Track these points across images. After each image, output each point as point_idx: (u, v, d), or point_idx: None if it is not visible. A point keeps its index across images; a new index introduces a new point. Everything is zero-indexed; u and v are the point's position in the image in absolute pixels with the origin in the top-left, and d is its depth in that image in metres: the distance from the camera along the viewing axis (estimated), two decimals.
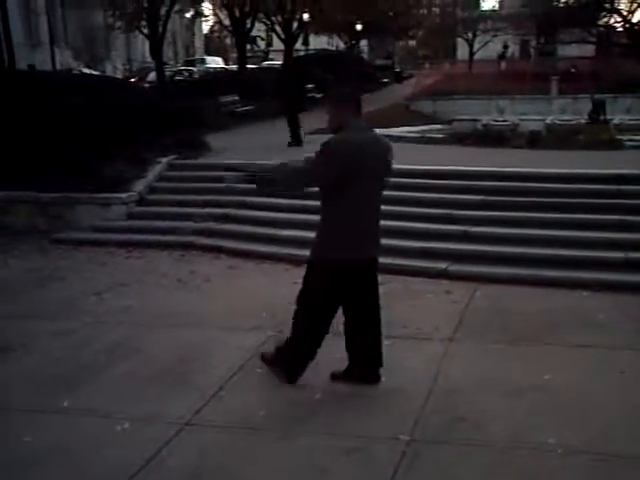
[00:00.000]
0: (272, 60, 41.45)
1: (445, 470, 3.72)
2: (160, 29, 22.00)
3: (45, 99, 10.31)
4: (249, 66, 29.61)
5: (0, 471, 3.79)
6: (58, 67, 29.51)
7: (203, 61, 40.49)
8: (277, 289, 6.66)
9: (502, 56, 45.01)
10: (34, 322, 6.11)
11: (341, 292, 4.49)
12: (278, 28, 30.15)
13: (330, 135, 4.41)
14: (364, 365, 4.71)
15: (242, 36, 27.14)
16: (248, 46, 33.04)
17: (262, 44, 51.36)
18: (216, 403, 4.52)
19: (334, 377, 4.76)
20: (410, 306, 6.34)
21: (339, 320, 4.66)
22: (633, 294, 6.40)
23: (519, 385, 4.65)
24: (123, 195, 9.83)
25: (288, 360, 4.69)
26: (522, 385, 4.64)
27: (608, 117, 17.76)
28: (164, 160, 10.94)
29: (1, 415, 4.42)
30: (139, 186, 10.14)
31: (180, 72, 29.84)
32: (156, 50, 22.84)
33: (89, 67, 30.29)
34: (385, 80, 38.99)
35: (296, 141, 13.20)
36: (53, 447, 3.98)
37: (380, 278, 7.09)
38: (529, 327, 5.74)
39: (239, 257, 8.16)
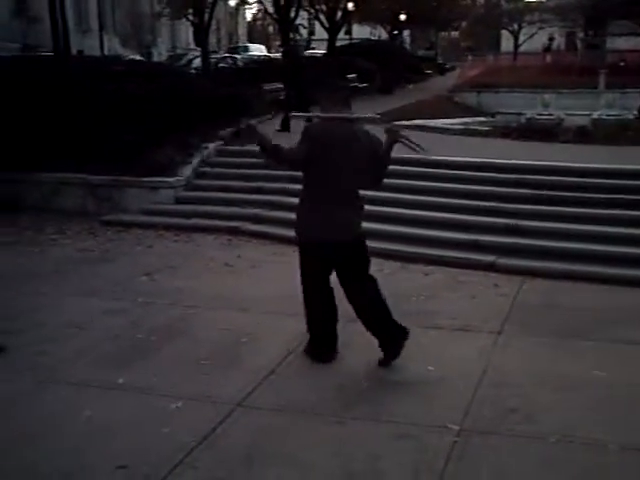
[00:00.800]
0: (314, 49, 41.40)
1: (496, 461, 3.72)
2: (206, 16, 22.13)
3: (99, 84, 10.46)
4: None
5: (64, 442, 3.90)
6: (106, 53, 29.90)
7: (246, 49, 40.60)
8: None
9: (547, 48, 44.27)
10: (88, 301, 6.24)
11: (316, 271, 4.73)
12: (322, 16, 30.12)
13: None
14: (388, 344, 4.79)
15: (286, 24, 27.15)
16: (291, 34, 33.03)
17: (304, 33, 51.31)
18: (268, 386, 4.58)
19: (381, 363, 4.82)
20: (458, 298, 6.34)
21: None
22: None
23: (570, 380, 4.62)
24: (171, 179, 9.97)
25: (309, 341, 4.94)
26: (573, 380, 4.62)
27: None
28: (211, 146, 11.05)
29: (62, 389, 4.54)
30: (187, 171, 10.27)
31: (224, 59, 29.97)
32: (201, 37, 23.00)
33: (134, 53, 30.58)
34: (428, 71, 38.71)
35: (285, 127, 13.03)
36: (112, 422, 4.08)
37: (427, 269, 7.20)
38: (579, 322, 5.70)
39: (284, 243, 8.20)
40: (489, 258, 7.35)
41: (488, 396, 4.44)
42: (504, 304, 6.16)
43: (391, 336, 4.77)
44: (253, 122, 4.97)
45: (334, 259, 4.71)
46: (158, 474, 3.57)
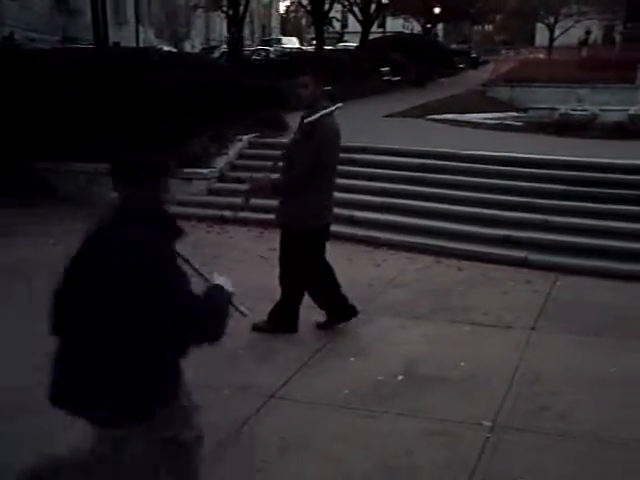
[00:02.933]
0: (347, 42, 41.29)
1: (530, 458, 3.71)
2: (241, 9, 22.19)
3: (137, 76, 10.57)
4: (325, 47, 29.59)
5: None
6: (141, 45, 30.17)
7: (279, 41, 40.64)
8: (356, 270, 6.73)
9: (584, 42, 43.64)
10: None
11: (321, 251, 5.22)
12: (356, 9, 30.03)
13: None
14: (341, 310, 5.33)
15: (320, 17, 27.12)
16: (325, 27, 32.99)
17: (337, 25, 51.15)
18: (300, 378, 4.62)
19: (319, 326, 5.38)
20: (490, 293, 6.32)
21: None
22: None
23: (603, 378, 4.59)
24: (204, 171, 10.04)
25: (285, 319, 5.29)
26: (607, 378, 4.59)
27: None
28: (245, 138, 11.11)
29: None
30: (220, 162, 10.34)
31: (257, 52, 30.05)
32: (235, 30, 23.08)
33: (168, 45, 30.80)
34: (461, 65, 38.39)
35: None
36: None
37: (459, 264, 7.19)
38: (612, 320, 5.65)
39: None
40: (521, 254, 7.32)
41: (521, 393, 4.43)
42: (537, 300, 6.13)
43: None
44: (260, 176, 5.24)
45: (324, 241, 5.24)
46: None
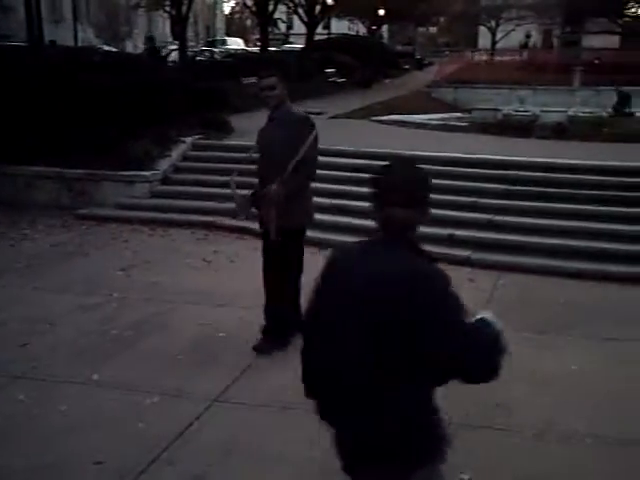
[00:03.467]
0: (292, 43, 41.30)
1: (476, 453, 3.72)
2: (184, 9, 21.92)
3: (74, 76, 10.30)
4: (270, 49, 29.48)
5: (39, 438, 3.85)
6: (80, 44, 29.55)
7: (224, 42, 40.36)
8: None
9: (524, 46, 44.63)
10: (62, 296, 6.17)
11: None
12: (301, 10, 30.01)
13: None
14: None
15: (265, 18, 27.01)
16: (269, 28, 32.86)
17: (283, 27, 51.15)
18: (244, 381, 4.56)
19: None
20: None
21: None
22: None
23: (547, 374, 4.65)
24: (147, 173, 9.86)
25: (282, 328, 4.93)
26: (550, 374, 4.65)
27: (632, 110, 17.64)
28: (188, 140, 10.96)
29: (37, 385, 4.48)
30: (163, 165, 10.17)
31: (201, 52, 29.77)
32: (179, 30, 22.79)
33: (108, 44, 30.27)
34: (406, 67, 38.80)
35: None
36: (88, 417, 4.04)
37: None
38: (555, 317, 5.74)
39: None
40: (464, 253, 7.38)
41: (473, 390, 4.42)
42: (480, 299, 6.15)
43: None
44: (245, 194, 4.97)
45: None
46: (135, 470, 3.54)
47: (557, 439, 3.89)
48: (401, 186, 2.16)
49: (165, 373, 4.64)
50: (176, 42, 25.59)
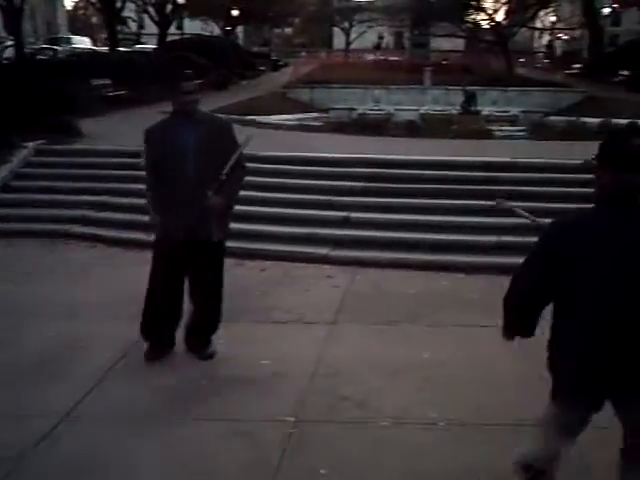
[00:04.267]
0: (145, 43, 40.20)
1: (332, 448, 3.79)
2: (17, 0, 20.49)
3: None
4: (120, 49, 28.53)
5: None
6: None
7: (69, 40, 38.20)
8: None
9: (377, 47, 46.05)
10: None
11: None
12: (151, 9, 29.31)
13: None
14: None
15: (112, 16, 26.02)
16: (119, 27, 31.75)
17: (133, 26, 49.56)
18: (97, 394, 4.38)
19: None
20: (292, 292, 6.39)
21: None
22: (504, 275, 6.72)
23: (400, 364, 4.79)
24: None
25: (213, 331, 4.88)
26: (403, 364, 4.79)
27: (478, 108, 18.65)
28: (31, 145, 10.40)
29: None
30: (2, 172, 9.59)
31: (42, 50, 28.01)
32: (14, 24, 21.26)
33: None
34: (262, 68, 38.85)
35: None
36: None
37: (262, 264, 7.21)
38: (408, 308, 5.93)
39: (118, 246, 7.91)
40: (322, 250, 7.49)
41: (323, 386, 4.51)
42: (337, 295, 6.29)
43: None
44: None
45: None
46: None
47: (410, 426, 4.00)
48: None
49: (12, 389, 4.36)
50: (11, 37, 23.86)
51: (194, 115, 4.59)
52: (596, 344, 2.60)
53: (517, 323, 2.84)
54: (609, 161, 2.56)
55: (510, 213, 3.72)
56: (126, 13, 31.71)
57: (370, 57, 40.73)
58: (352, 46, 50.49)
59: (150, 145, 4.69)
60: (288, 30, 66.84)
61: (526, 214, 3.47)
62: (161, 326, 4.81)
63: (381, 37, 52.78)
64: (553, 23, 51.35)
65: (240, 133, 4.92)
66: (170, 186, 4.55)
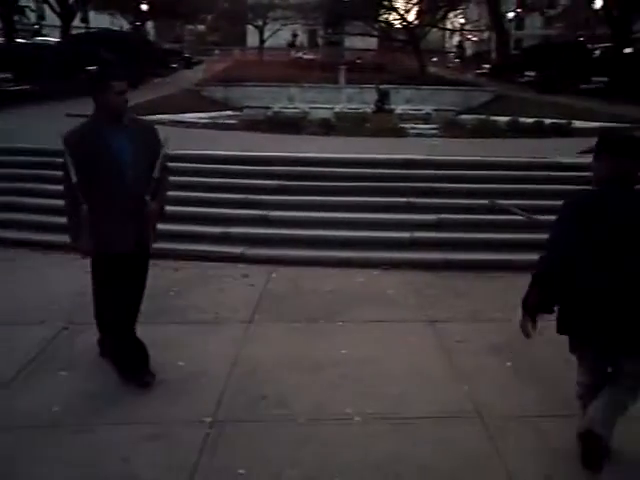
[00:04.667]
0: (46, 36, 38.59)
1: (250, 447, 3.76)
2: None
3: None
4: (19, 40, 27.18)
5: None
6: None
7: None
8: (67, 280, 6.30)
9: (292, 45, 46.06)
10: None
11: None
12: (52, 0, 28.10)
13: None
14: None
15: (7, 5, 24.62)
16: (16, 17, 30.14)
17: (32, 16, 47.32)
18: (1, 403, 4.19)
19: None
20: (207, 291, 6.32)
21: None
22: (418, 271, 6.89)
23: (318, 361, 4.81)
24: None
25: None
26: (321, 361, 4.81)
27: (392, 106, 18.91)
28: None
29: None
30: None
31: None
32: None
33: None
34: (174, 65, 38.19)
35: None
36: None
37: (176, 264, 7.09)
38: (324, 305, 5.96)
39: (24, 247, 7.60)
40: (238, 249, 7.43)
41: (240, 385, 4.47)
42: (253, 294, 6.25)
43: None
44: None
45: None
46: None
47: (327, 422, 4.02)
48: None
49: None
50: None
51: (121, 118, 4.27)
52: (599, 305, 3.25)
53: (548, 292, 3.37)
54: (606, 148, 3.31)
55: (501, 210, 4.37)
56: (24, 2, 30.07)
57: (284, 55, 40.72)
58: (266, 44, 50.32)
59: (76, 156, 4.17)
60: (201, 27, 66.06)
61: (521, 212, 4.07)
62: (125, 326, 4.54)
63: (295, 35, 52.77)
64: (462, 25, 52.76)
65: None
66: (108, 197, 4.24)
